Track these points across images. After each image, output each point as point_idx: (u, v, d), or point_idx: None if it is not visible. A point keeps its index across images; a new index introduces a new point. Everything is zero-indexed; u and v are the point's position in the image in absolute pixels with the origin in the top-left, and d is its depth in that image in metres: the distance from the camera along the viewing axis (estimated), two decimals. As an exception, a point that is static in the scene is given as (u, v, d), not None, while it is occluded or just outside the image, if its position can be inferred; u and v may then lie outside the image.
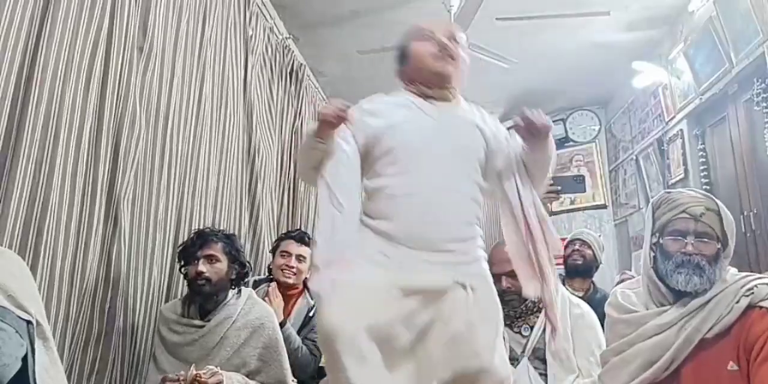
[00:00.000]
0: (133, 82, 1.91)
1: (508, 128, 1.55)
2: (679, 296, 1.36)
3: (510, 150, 1.52)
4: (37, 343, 1.07)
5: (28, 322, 1.05)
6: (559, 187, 2.19)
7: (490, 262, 1.56)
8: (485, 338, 1.34)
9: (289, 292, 2.36)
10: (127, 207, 1.87)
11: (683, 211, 1.38)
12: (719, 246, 1.36)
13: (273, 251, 2.49)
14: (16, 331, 1.01)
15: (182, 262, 1.87)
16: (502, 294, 1.85)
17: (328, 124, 1.32)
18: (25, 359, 1.02)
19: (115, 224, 1.80)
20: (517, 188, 1.45)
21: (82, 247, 1.68)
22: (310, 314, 2.31)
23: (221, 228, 2.17)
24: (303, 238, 2.43)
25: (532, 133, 1.44)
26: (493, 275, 1.81)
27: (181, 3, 2.28)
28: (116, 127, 1.84)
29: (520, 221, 1.43)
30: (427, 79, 1.47)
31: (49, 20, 1.55)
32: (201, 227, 2.09)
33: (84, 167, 1.70)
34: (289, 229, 3.05)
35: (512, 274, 1.87)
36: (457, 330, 1.30)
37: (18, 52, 1.47)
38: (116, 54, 1.83)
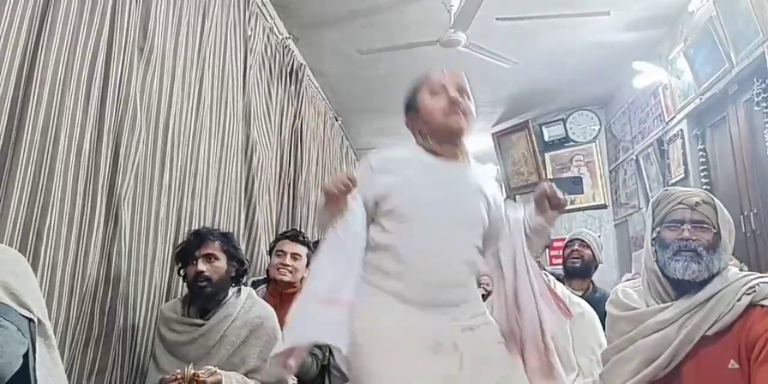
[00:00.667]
0: (134, 82, 1.91)
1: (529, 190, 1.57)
2: (680, 291, 1.36)
3: (507, 220, 1.54)
4: (39, 341, 1.07)
5: (30, 320, 1.05)
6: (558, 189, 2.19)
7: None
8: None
9: (287, 291, 2.37)
10: (128, 207, 1.87)
11: (679, 203, 1.40)
12: (715, 232, 1.36)
13: (270, 253, 2.50)
14: (18, 329, 1.01)
15: (180, 264, 1.87)
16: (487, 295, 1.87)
17: (334, 199, 1.30)
18: (26, 357, 1.02)
19: (116, 224, 1.80)
20: (515, 261, 1.46)
21: (83, 247, 1.68)
22: None
23: (220, 228, 2.17)
24: (297, 237, 2.45)
25: (552, 205, 1.45)
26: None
27: (181, 3, 2.28)
28: (117, 128, 1.84)
29: (510, 298, 1.44)
30: (436, 134, 1.47)
31: (49, 20, 1.55)
32: (201, 226, 2.09)
33: (84, 168, 1.69)
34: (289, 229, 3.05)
35: None
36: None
37: (18, 52, 1.47)
38: (116, 54, 1.83)
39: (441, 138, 1.46)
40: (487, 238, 1.48)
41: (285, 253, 2.37)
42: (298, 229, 3.36)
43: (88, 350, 1.69)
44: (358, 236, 1.36)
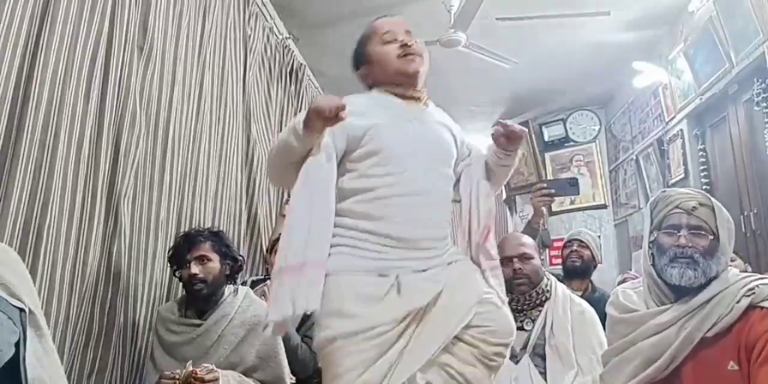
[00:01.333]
0: (133, 82, 1.91)
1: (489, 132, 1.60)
2: (679, 294, 1.36)
3: (471, 155, 1.59)
4: (30, 332, 1.07)
5: (21, 310, 1.05)
6: (553, 190, 2.21)
7: (502, 248, 1.53)
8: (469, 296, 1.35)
9: None
10: (128, 207, 1.87)
11: (676, 207, 1.39)
12: (712, 237, 1.36)
13: (269, 252, 2.50)
14: (9, 318, 1.01)
15: (174, 267, 1.87)
16: (512, 278, 1.88)
17: (322, 120, 1.27)
18: (17, 346, 1.02)
19: (116, 224, 1.80)
20: (473, 193, 1.50)
21: (83, 246, 1.68)
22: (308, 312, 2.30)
23: (218, 227, 2.17)
24: None
25: (510, 138, 1.47)
26: (504, 258, 1.86)
27: (181, 3, 2.28)
28: (116, 127, 1.84)
29: (464, 219, 1.48)
30: (395, 80, 1.49)
31: (49, 20, 1.55)
32: (200, 227, 2.09)
33: (84, 167, 1.70)
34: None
35: (524, 257, 1.92)
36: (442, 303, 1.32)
37: (18, 52, 1.47)
38: (116, 54, 1.83)
39: (400, 82, 1.48)
40: (455, 170, 1.53)
41: None
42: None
43: (88, 349, 1.70)
44: (333, 172, 1.35)
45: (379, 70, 1.50)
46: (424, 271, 1.35)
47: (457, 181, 1.54)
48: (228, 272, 1.87)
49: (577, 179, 2.23)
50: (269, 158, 1.47)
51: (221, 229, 2.05)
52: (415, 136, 1.44)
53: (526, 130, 1.51)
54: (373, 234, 1.33)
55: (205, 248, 1.83)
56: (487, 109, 5.50)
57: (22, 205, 1.45)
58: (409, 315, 1.28)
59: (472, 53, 3.64)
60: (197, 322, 1.81)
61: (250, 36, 2.98)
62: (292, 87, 3.68)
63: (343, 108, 1.26)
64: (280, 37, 3.61)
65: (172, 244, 2.10)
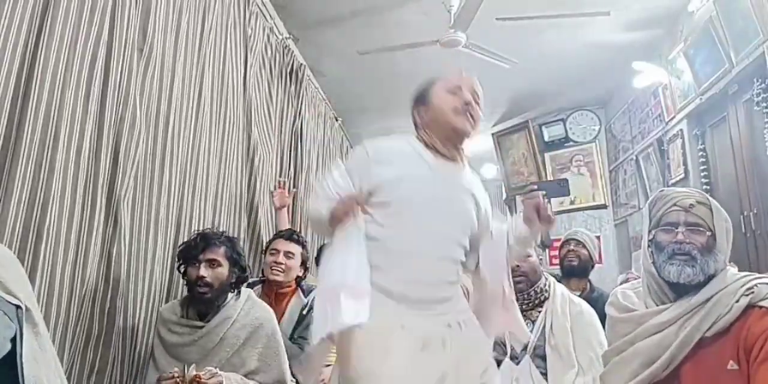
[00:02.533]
0: (134, 82, 1.91)
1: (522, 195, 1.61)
2: (679, 293, 1.36)
3: (491, 227, 1.58)
4: (26, 329, 1.08)
5: (17, 307, 1.06)
6: (544, 192, 2.21)
7: None
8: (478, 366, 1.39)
9: (281, 290, 2.37)
10: (128, 208, 1.87)
11: (674, 205, 1.40)
12: (710, 234, 1.36)
13: (265, 252, 2.51)
14: (5, 314, 1.01)
15: (181, 261, 1.86)
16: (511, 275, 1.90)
17: (340, 220, 1.36)
18: (14, 342, 1.02)
19: (116, 225, 1.80)
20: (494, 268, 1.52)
21: (83, 247, 1.68)
22: (304, 312, 2.31)
23: (220, 228, 2.17)
24: (292, 236, 2.45)
25: (542, 218, 1.48)
26: None
27: (181, 4, 2.28)
28: (116, 128, 1.84)
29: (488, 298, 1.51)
30: (442, 131, 1.48)
31: (49, 20, 1.55)
32: (203, 228, 2.09)
33: (84, 167, 1.69)
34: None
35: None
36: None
37: (18, 52, 1.47)
38: (116, 55, 1.83)
39: (445, 136, 1.47)
40: (472, 241, 1.50)
41: (278, 252, 2.37)
42: (298, 229, 3.36)
43: (87, 350, 1.69)
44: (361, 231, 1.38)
45: (432, 115, 1.50)
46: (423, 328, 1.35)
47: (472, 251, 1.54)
48: (233, 280, 1.86)
49: (566, 180, 2.24)
50: (309, 217, 1.55)
51: (222, 230, 2.04)
52: (436, 196, 1.43)
53: (554, 220, 1.52)
54: (374, 285, 1.33)
55: (219, 253, 1.82)
56: (486, 109, 5.46)
57: (22, 206, 1.45)
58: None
59: (472, 53, 3.64)
60: (199, 323, 1.80)
61: (250, 36, 2.98)
62: (292, 87, 3.68)
63: (355, 207, 1.33)
64: (280, 37, 3.61)
65: (174, 244, 2.10)
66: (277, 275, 2.34)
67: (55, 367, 1.14)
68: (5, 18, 1.43)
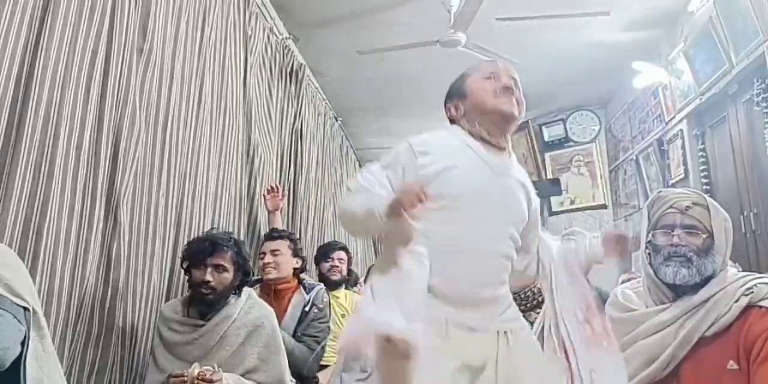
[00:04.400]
0: (133, 82, 1.91)
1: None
2: (678, 293, 1.36)
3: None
4: (32, 332, 1.08)
5: (25, 309, 1.06)
6: (537, 191, 2.22)
7: None
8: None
9: (280, 287, 2.40)
10: (127, 207, 1.87)
11: (671, 207, 1.41)
12: (706, 236, 1.36)
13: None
14: (14, 317, 1.02)
15: (187, 263, 1.85)
16: None
17: (402, 212, 1.19)
18: (22, 345, 1.03)
19: (115, 224, 1.80)
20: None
21: (82, 246, 1.68)
22: (306, 309, 2.32)
23: (219, 228, 2.17)
24: (272, 235, 2.54)
25: (621, 251, 1.49)
26: None
27: (180, 3, 2.28)
28: (116, 128, 1.84)
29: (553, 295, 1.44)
30: (487, 119, 1.39)
31: (49, 20, 1.55)
32: (209, 227, 2.08)
33: (84, 167, 1.69)
34: (289, 229, 3.06)
35: None
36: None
37: (18, 52, 1.47)
38: (116, 54, 1.83)
39: (490, 122, 1.39)
40: (523, 235, 1.42)
41: (265, 253, 2.43)
42: (299, 229, 3.36)
43: (87, 349, 1.69)
44: (426, 268, 1.22)
45: (472, 103, 1.41)
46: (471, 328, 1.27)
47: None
48: (237, 283, 1.86)
49: (558, 179, 2.22)
50: (343, 215, 1.37)
51: (229, 232, 2.03)
52: (488, 188, 1.34)
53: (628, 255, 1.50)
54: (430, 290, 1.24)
55: (226, 258, 1.82)
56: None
57: (22, 205, 1.45)
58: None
59: (472, 53, 3.64)
60: (200, 322, 1.80)
61: (250, 36, 2.98)
62: (292, 87, 3.68)
63: (425, 196, 1.18)
64: (280, 37, 3.61)
65: (174, 243, 2.09)
66: (270, 274, 2.39)
67: (56, 368, 1.14)
68: (5, 18, 1.43)
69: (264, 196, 2.92)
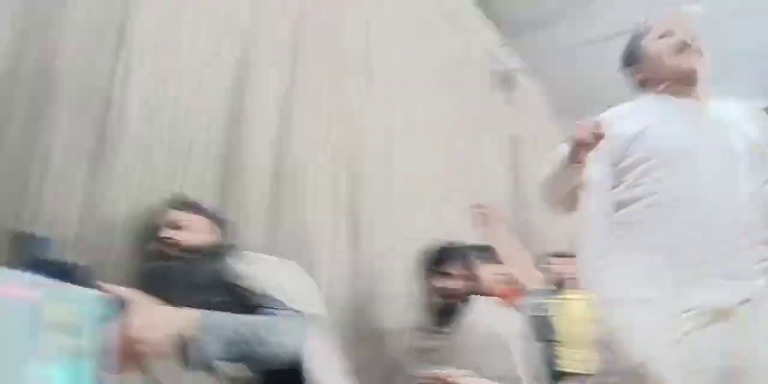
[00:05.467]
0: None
1: None
2: None
3: None
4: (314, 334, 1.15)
5: (308, 315, 1.15)
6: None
7: None
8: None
9: None
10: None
11: None
12: None
13: None
14: (303, 321, 1.12)
15: (427, 274, 1.87)
16: None
17: (585, 147, 1.23)
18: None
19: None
20: None
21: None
22: None
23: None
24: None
25: None
26: None
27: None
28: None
29: None
30: (669, 78, 1.33)
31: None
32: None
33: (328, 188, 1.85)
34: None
35: None
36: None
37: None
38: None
39: (676, 82, 1.32)
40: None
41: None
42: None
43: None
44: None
45: (651, 67, 1.36)
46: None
47: None
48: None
49: None
50: (542, 187, 1.44)
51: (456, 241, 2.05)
52: (692, 134, 1.26)
53: None
54: (648, 250, 1.20)
55: (455, 267, 1.84)
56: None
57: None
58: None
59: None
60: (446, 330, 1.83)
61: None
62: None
63: (600, 130, 1.19)
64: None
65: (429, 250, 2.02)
66: None
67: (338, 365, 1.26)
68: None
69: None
